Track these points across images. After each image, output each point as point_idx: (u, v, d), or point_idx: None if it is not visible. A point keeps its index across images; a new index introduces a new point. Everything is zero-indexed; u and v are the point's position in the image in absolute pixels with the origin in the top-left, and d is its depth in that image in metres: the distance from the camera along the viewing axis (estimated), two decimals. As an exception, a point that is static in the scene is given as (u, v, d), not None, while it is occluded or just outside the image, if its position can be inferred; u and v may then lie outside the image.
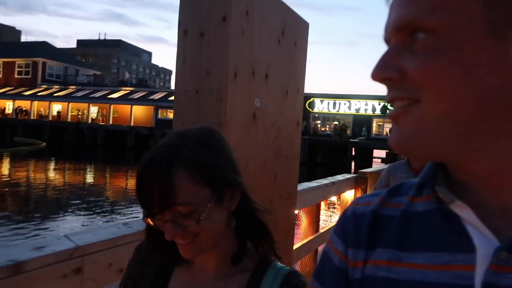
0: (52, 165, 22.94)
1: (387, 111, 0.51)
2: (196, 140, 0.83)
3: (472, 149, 0.45)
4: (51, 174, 19.95)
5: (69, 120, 37.99)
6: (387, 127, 31.68)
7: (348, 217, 0.60)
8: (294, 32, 1.99)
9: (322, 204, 3.93)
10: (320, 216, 3.80)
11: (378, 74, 0.48)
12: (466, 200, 0.47)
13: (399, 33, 0.47)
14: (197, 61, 1.47)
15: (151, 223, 0.81)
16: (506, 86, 0.42)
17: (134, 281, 0.94)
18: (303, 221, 3.58)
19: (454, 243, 0.47)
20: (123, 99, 38.08)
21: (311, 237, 3.36)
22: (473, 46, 0.42)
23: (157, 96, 38.24)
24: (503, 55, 0.42)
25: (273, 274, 0.88)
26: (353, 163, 27.81)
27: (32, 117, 39.06)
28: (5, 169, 20.15)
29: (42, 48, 46.80)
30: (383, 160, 22.95)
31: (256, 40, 1.63)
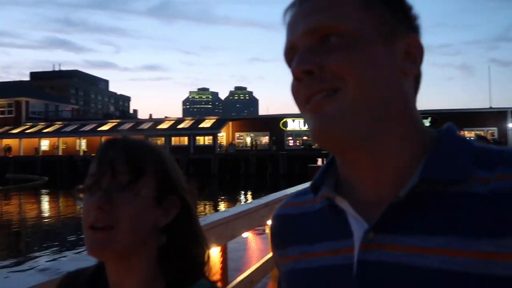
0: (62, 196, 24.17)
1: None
2: (157, 145, 0.88)
3: (376, 136, 0.55)
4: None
5: (60, 154, 40.42)
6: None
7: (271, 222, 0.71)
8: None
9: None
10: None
11: (301, 67, 0.55)
12: (349, 196, 0.58)
13: (311, 36, 0.56)
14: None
15: (82, 196, 0.80)
16: (399, 84, 0.55)
17: None
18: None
19: (341, 232, 0.58)
20: (114, 131, 41.12)
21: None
22: (374, 47, 0.55)
23: (145, 126, 41.87)
24: (392, 56, 0.56)
25: None
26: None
27: (21, 154, 40.96)
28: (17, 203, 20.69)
29: (24, 87, 49.24)
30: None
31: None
